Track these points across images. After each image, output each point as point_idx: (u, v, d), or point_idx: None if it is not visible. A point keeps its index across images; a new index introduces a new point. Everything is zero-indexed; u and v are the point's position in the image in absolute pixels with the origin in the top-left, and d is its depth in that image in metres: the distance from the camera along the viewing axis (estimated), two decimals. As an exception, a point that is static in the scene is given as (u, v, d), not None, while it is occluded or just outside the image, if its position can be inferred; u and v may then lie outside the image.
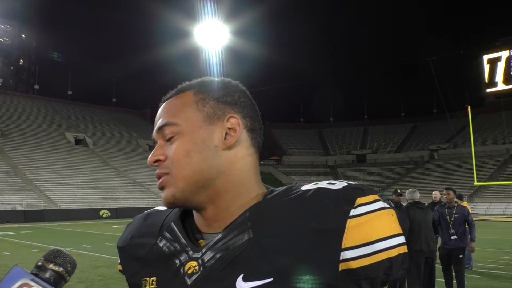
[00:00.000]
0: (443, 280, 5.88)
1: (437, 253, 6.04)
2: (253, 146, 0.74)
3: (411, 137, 63.00)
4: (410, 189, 5.75)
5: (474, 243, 6.25)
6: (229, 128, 0.72)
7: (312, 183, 0.69)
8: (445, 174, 47.06)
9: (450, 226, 5.81)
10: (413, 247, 5.26)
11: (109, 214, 29.77)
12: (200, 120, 0.71)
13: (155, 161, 0.72)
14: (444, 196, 6.09)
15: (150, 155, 0.72)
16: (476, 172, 23.28)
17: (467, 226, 6.06)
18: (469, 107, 23.22)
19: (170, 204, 0.71)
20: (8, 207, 27.38)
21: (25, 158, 38.01)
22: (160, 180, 0.72)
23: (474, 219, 6.29)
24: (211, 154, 0.70)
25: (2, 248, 12.10)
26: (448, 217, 5.87)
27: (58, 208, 29.62)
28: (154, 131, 0.74)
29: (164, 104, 0.76)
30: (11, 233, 17.69)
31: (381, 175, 53.08)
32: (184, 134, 0.71)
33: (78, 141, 47.46)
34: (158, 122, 0.73)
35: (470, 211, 9.22)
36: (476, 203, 37.74)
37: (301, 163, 59.71)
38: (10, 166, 35.53)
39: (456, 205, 5.99)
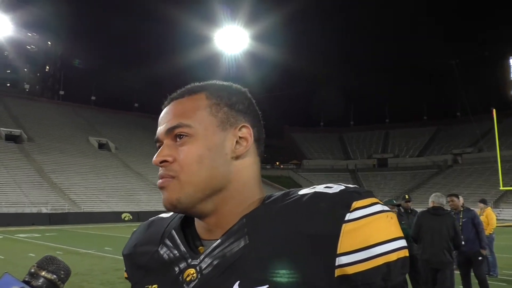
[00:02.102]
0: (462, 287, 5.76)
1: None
2: (258, 156, 0.74)
3: (434, 140, 61.78)
4: (437, 193, 5.40)
5: (485, 250, 5.86)
6: (240, 137, 0.70)
7: (310, 187, 0.68)
8: (469, 179, 45.94)
9: (460, 231, 5.71)
10: (421, 255, 5.03)
11: (131, 217, 30.21)
12: (214, 126, 0.70)
13: (162, 162, 0.69)
14: (448, 204, 5.92)
15: (156, 155, 0.70)
16: (502, 176, 22.67)
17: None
18: (494, 110, 22.69)
19: (172, 207, 0.69)
20: (34, 210, 28.08)
21: (50, 162, 38.96)
22: (161, 180, 0.69)
23: (500, 225, 6.09)
24: (222, 161, 0.69)
25: (28, 250, 12.38)
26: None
27: (82, 211, 30.20)
28: (162, 130, 0.71)
29: (173, 103, 0.73)
30: (36, 235, 18.11)
31: (403, 179, 52.19)
32: (197, 138, 0.68)
33: (101, 146, 48.37)
34: (168, 123, 0.71)
35: (495, 217, 8.98)
36: (502, 208, 36.70)
37: (321, 167, 59.25)
38: (36, 170, 36.48)
39: (462, 209, 5.86)
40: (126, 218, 29.96)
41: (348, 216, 0.61)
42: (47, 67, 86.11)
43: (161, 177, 0.70)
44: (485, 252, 5.87)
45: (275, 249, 0.62)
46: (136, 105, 68.13)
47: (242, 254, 0.64)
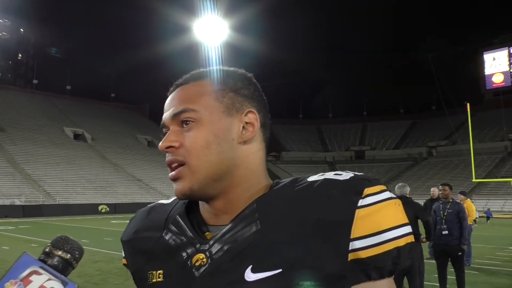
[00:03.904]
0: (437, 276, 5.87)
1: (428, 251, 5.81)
2: (264, 141, 0.74)
3: (409, 133, 63.06)
4: (400, 184, 5.57)
5: (465, 246, 5.84)
6: (246, 122, 0.71)
7: (318, 175, 0.69)
8: (443, 171, 47.15)
9: (443, 221, 5.82)
10: None
11: (107, 209, 29.81)
12: (220, 111, 0.70)
13: (168, 147, 0.69)
14: (440, 192, 6.07)
15: (162, 140, 0.70)
16: (475, 169, 23.31)
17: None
18: (468, 104, 23.21)
19: (185, 196, 0.70)
20: (7, 202, 27.39)
21: (23, 153, 37.97)
22: (175, 171, 0.69)
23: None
24: (228, 147, 0.69)
25: (1, 243, 12.10)
26: (442, 212, 5.89)
27: (57, 203, 29.64)
28: (168, 116, 0.71)
29: (178, 89, 0.73)
30: (10, 227, 17.70)
31: (379, 171, 53.13)
32: (203, 123, 0.69)
33: (77, 136, 47.41)
34: (173, 108, 0.71)
35: (474, 209, 9.16)
36: (474, 199, 37.72)
37: (300, 159, 59.74)
38: (8, 161, 35.49)
39: (451, 200, 5.96)
40: (103, 210, 29.54)
41: (361, 202, 0.62)
42: (20, 55, 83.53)
43: (170, 164, 0.70)
44: (465, 247, 5.91)
45: (287, 235, 0.62)
46: (113, 95, 66.94)
47: (254, 239, 0.64)
